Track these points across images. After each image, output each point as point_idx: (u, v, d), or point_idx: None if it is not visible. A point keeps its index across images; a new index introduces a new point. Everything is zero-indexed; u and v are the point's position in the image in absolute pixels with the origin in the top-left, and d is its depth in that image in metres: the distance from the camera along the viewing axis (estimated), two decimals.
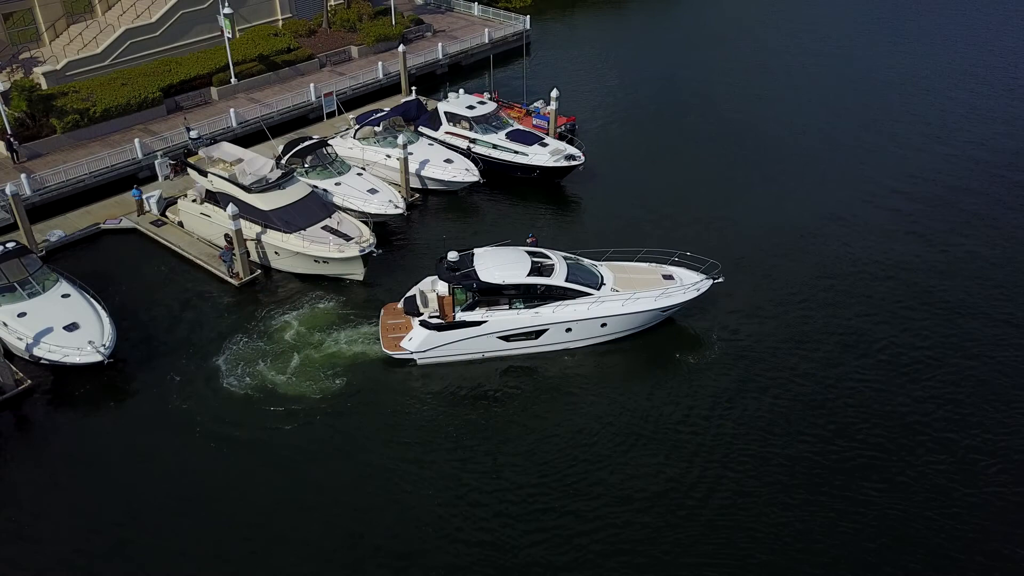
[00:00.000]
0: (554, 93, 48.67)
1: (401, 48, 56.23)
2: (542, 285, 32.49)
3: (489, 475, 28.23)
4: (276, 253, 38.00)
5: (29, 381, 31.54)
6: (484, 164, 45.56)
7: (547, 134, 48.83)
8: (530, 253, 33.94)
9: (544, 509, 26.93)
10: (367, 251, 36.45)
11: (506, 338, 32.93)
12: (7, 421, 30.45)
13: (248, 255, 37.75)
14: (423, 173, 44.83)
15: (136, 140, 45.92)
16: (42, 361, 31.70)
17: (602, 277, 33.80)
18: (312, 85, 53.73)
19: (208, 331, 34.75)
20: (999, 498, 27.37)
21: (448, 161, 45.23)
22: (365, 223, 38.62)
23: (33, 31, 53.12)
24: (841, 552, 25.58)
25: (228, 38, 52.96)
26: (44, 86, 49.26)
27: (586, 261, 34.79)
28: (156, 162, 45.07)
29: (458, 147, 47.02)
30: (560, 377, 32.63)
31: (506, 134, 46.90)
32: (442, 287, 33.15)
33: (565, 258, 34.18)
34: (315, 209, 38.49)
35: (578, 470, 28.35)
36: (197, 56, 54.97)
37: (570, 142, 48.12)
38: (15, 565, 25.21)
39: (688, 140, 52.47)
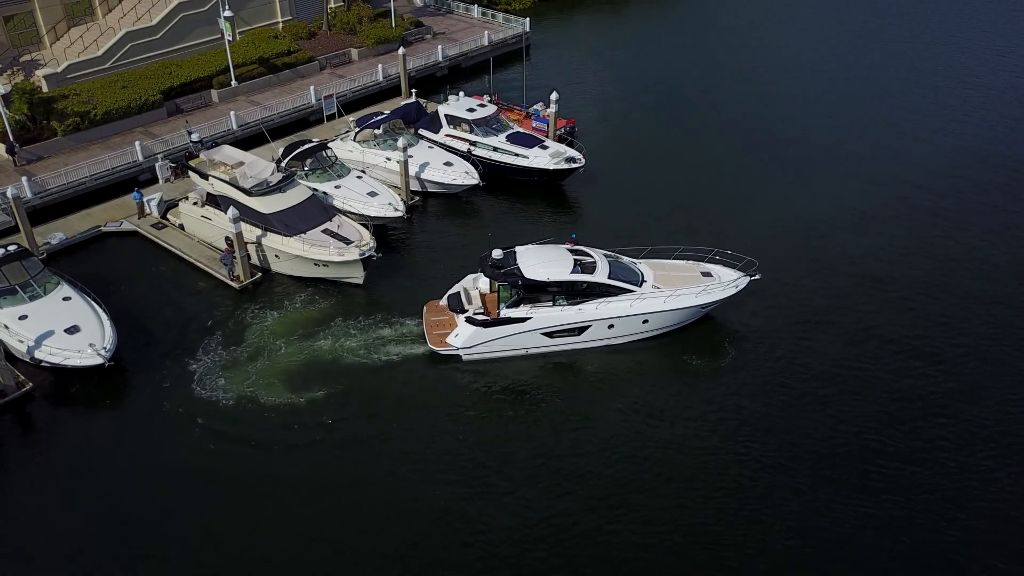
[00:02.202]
0: (554, 96, 48.82)
1: (401, 50, 56.33)
2: (586, 282, 32.98)
3: (529, 471, 28.61)
4: (276, 256, 38.09)
5: (30, 384, 31.61)
6: (484, 167, 45.67)
7: (547, 136, 48.95)
8: (571, 251, 34.43)
9: (587, 508, 27.24)
10: (367, 254, 36.54)
11: (550, 334, 33.43)
12: (8, 423, 30.52)
13: (248, 258, 37.84)
14: (423, 176, 44.92)
15: (136, 143, 46.00)
16: (43, 363, 31.81)
17: (642, 274, 34.38)
18: (312, 87, 53.81)
19: (209, 333, 34.82)
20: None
21: (448, 164, 45.31)
22: (365, 226, 38.71)
23: (34, 33, 53.19)
24: (868, 551, 25.89)
25: (228, 40, 53.06)
26: (45, 89, 49.37)
27: (625, 259, 35.32)
28: (157, 165, 45.14)
29: (458, 150, 47.12)
30: (604, 373, 33.05)
31: (506, 137, 47.01)
32: (484, 284, 33.67)
33: (606, 255, 34.65)
34: (315, 212, 38.57)
35: (620, 468, 28.71)
36: (197, 59, 55.06)
37: (570, 144, 48.24)
38: (15, 567, 25.29)
39: (689, 141, 52.60)
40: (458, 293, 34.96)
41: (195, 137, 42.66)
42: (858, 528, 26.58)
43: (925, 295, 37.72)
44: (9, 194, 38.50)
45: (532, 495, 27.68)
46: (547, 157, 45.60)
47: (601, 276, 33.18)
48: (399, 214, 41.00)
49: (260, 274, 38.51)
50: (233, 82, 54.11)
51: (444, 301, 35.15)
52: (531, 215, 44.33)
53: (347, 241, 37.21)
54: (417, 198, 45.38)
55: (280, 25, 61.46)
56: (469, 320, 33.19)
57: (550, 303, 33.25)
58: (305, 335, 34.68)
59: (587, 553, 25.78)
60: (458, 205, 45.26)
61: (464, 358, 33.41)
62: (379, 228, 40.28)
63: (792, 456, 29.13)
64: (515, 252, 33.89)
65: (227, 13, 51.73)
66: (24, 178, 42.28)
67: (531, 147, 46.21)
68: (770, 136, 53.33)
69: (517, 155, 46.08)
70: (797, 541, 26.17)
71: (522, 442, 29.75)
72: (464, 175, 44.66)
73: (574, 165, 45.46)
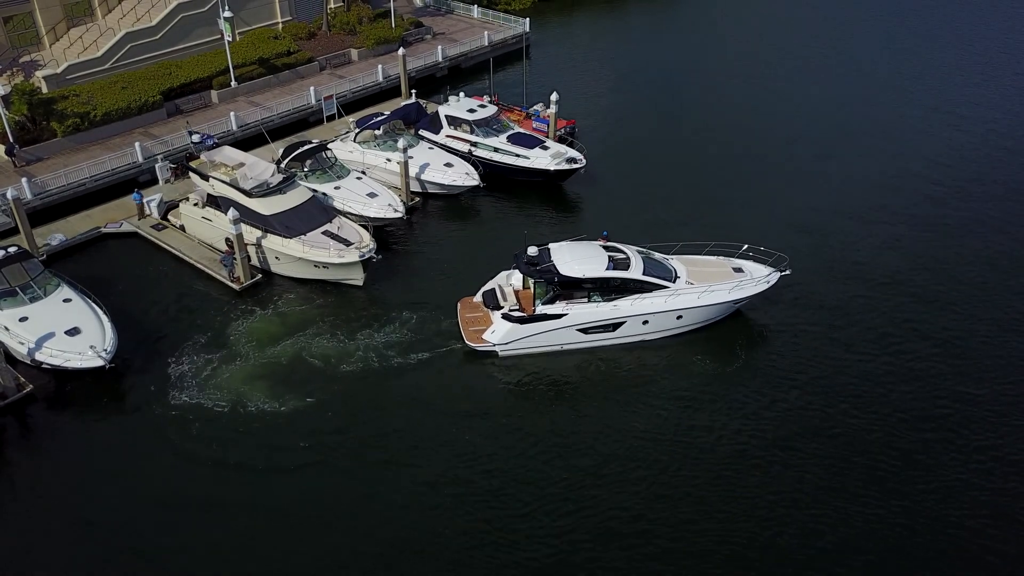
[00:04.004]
0: (554, 96, 48.81)
1: (401, 51, 56.31)
2: (621, 278, 33.30)
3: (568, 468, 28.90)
4: (276, 258, 38.06)
5: (31, 386, 31.58)
6: (485, 167, 45.63)
7: (547, 137, 48.91)
8: (604, 248, 34.73)
9: (623, 506, 27.52)
10: (367, 256, 36.50)
11: (585, 330, 33.72)
12: (9, 425, 30.49)
13: (249, 259, 37.82)
14: (423, 177, 44.87)
15: (136, 143, 45.95)
16: (44, 366, 31.77)
17: (675, 270, 34.66)
18: (312, 88, 53.77)
19: (209, 335, 34.80)
20: None
21: (448, 165, 45.26)
22: (365, 227, 38.68)
23: (33, 34, 53.12)
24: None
25: (228, 41, 53.02)
26: (44, 89, 49.32)
27: (657, 255, 35.58)
28: (156, 166, 45.09)
29: (459, 151, 47.08)
30: (639, 369, 33.39)
31: (507, 137, 46.96)
32: (517, 280, 34.42)
33: (639, 252, 34.92)
34: (315, 214, 38.53)
35: (661, 467, 29.04)
36: (197, 59, 55.02)
37: (570, 145, 48.21)
38: (15, 568, 25.26)
39: (690, 141, 52.61)
40: (493, 290, 35.33)
41: (196, 138, 42.57)
42: (883, 527, 26.70)
43: (950, 288, 38.24)
44: (9, 195, 38.44)
45: (571, 492, 27.84)
46: (548, 158, 45.57)
47: (636, 272, 33.52)
48: (398, 215, 40.94)
49: (260, 275, 38.48)
50: (233, 83, 54.07)
51: (479, 298, 35.49)
52: (532, 216, 44.27)
53: (347, 243, 37.17)
54: (417, 199, 45.34)
55: (280, 25, 61.42)
56: (506, 316, 33.52)
57: (585, 299, 33.56)
58: (304, 337, 34.63)
59: (604, 544, 25.85)
60: (458, 206, 45.22)
61: (500, 354, 33.65)
62: (379, 229, 40.24)
63: (821, 454, 29.33)
64: (549, 249, 34.24)
65: (227, 14, 51.70)
66: (24, 179, 42.23)
67: (532, 148, 46.18)
68: (772, 133, 53.42)
69: (518, 156, 46.05)
70: (816, 539, 26.29)
71: (557, 438, 29.99)
72: (464, 176, 44.61)
73: (575, 166, 45.43)
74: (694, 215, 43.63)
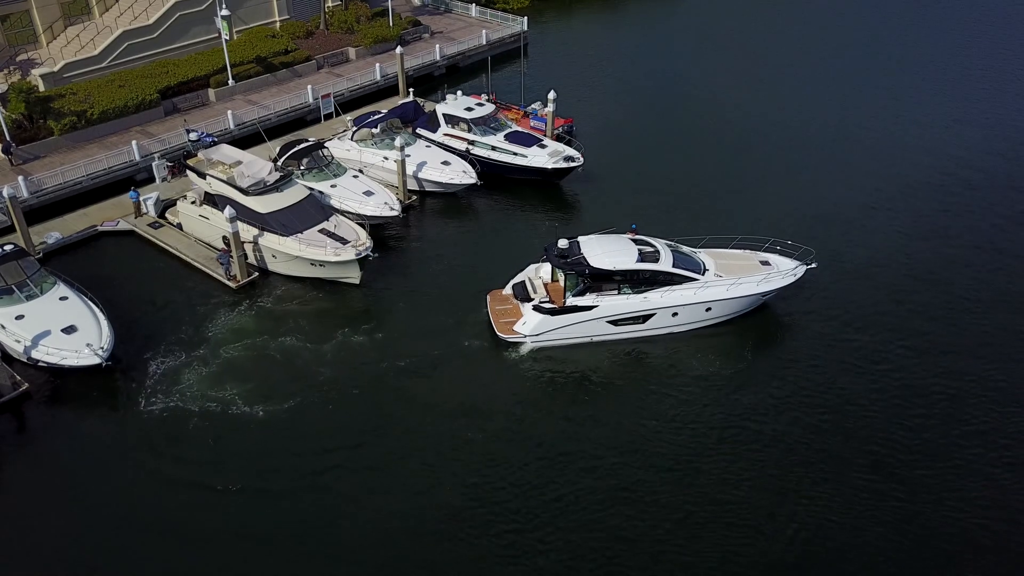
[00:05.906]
0: (551, 95, 48.77)
1: (399, 50, 56.26)
2: (651, 271, 33.61)
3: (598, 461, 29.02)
4: (273, 256, 38.03)
5: (27, 384, 31.53)
6: (483, 166, 45.60)
7: (545, 135, 48.89)
8: (633, 240, 34.99)
9: (650, 502, 27.59)
10: (363, 255, 36.47)
11: (615, 322, 34.04)
12: (5, 424, 30.46)
13: (246, 257, 37.79)
14: (420, 175, 44.84)
15: (133, 142, 45.89)
16: (40, 364, 31.72)
17: (704, 263, 34.94)
18: (310, 87, 53.72)
19: (206, 333, 34.78)
20: None
21: (445, 163, 45.23)
22: (362, 226, 38.66)
23: (31, 33, 53.06)
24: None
25: (226, 40, 52.98)
26: (42, 88, 49.27)
27: (685, 248, 35.82)
28: (154, 164, 45.04)
29: (456, 149, 47.06)
30: (668, 361, 33.64)
31: (505, 136, 46.94)
32: (546, 273, 34.92)
33: (667, 245, 35.19)
34: (312, 212, 38.50)
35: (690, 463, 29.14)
36: (195, 58, 54.98)
37: (568, 143, 48.19)
38: (12, 568, 25.23)
39: (687, 139, 52.56)
40: (523, 282, 35.70)
41: (193, 136, 42.51)
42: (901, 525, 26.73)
43: (973, 280, 38.49)
44: (5, 194, 38.39)
45: (602, 484, 27.93)
46: (546, 156, 45.55)
47: (665, 265, 33.81)
48: (395, 213, 40.91)
49: (257, 274, 38.44)
50: (230, 81, 54.02)
51: (508, 290, 35.81)
52: (530, 215, 44.26)
53: (344, 241, 37.14)
54: (414, 197, 45.31)
55: (277, 24, 61.36)
56: (536, 308, 33.82)
57: (615, 291, 33.84)
58: (300, 335, 34.60)
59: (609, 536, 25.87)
60: (456, 204, 45.19)
61: (530, 345, 33.85)
62: (375, 228, 40.20)
63: (843, 450, 29.39)
64: (579, 242, 34.54)
65: (224, 12, 51.65)
66: (20, 177, 42.18)
67: (529, 146, 46.15)
68: (770, 130, 53.37)
69: (516, 154, 46.02)
70: (833, 536, 26.32)
71: (585, 430, 30.21)
72: (461, 174, 44.57)
73: (573, 164, 45.42)
74: (692, 213, 43.55)
